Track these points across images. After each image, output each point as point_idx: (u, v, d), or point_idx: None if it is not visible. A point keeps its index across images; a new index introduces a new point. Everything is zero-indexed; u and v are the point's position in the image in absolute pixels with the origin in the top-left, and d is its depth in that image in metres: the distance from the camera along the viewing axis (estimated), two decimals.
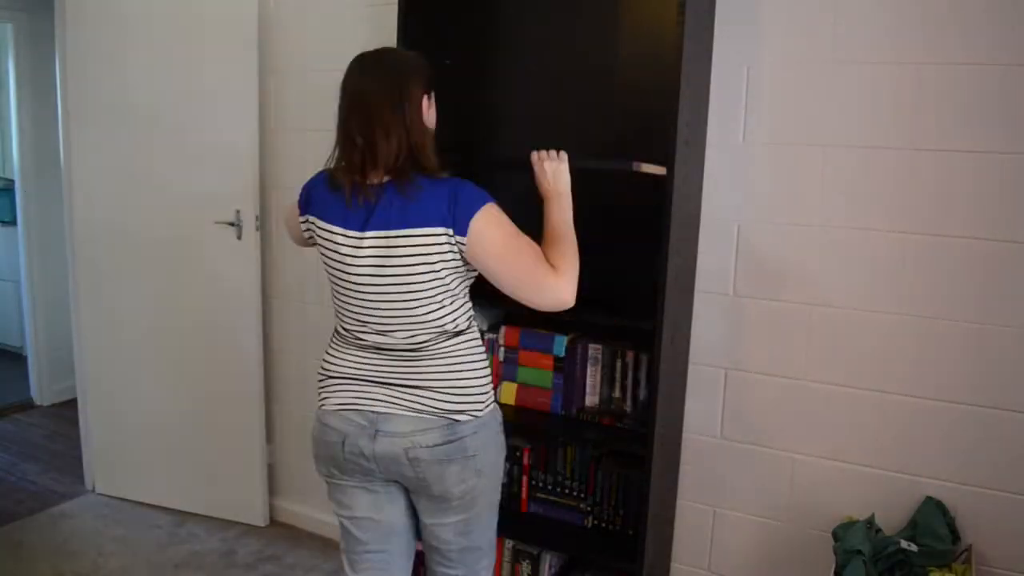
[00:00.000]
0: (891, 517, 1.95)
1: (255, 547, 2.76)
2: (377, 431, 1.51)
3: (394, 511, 1.63)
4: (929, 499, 1.91)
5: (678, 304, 1.99)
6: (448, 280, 1.48)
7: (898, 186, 1.89)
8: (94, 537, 2.79)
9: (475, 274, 1.54)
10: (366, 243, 1.46)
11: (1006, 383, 1.83)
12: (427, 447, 1.50)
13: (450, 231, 1.43)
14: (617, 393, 2.14)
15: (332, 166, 1.51)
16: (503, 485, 2.25)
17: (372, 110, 1.44)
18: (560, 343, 2.15)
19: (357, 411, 1.53)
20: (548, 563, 2.24)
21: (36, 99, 3.91)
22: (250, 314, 2.78)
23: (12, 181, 4.13)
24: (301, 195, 1.58)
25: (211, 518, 2.93)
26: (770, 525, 2.15)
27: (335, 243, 1.49)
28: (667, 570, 2.27)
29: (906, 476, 1.96)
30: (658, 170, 1.81)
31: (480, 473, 1.55)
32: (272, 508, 2.96)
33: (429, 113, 1.53)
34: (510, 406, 2.20)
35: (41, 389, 4.14)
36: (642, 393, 2.11)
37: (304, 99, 2.69)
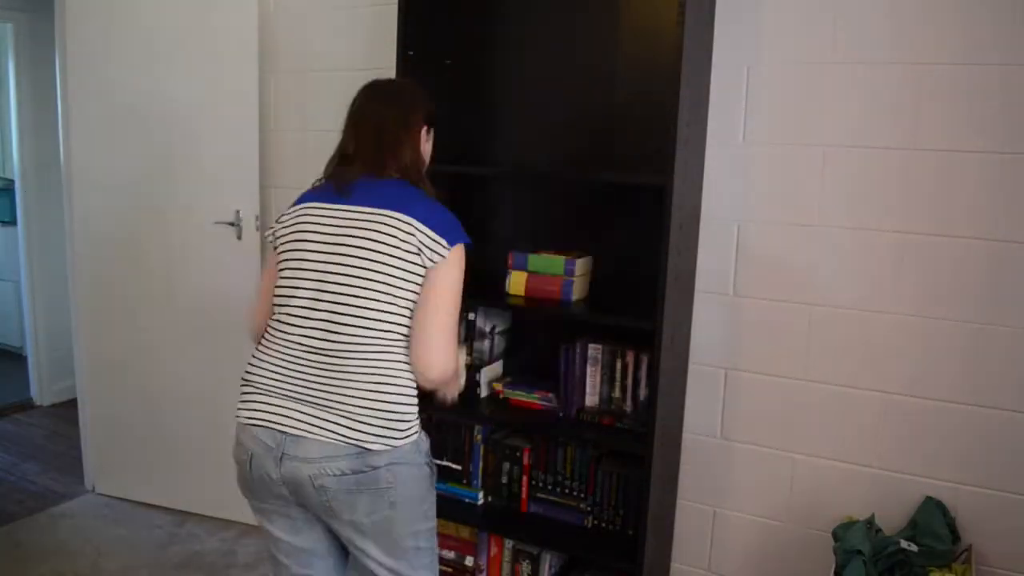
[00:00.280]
0: (891, 517, 1.95)
1: (255, 547, 2.76)
2: (283, 454, 1.43)
3: (312, 535, 1.55)
4: (929, 499, 1.91)
5: (678, 304, 1.99)
6: (407, 281, 1.43)
7: (898, 186, 1.89)
8: (94, 537, 2.78)
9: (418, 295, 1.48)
10: (341, 214, 1.47)
11: (1006, 383, 1.83)
12: (334, 476, 1.41)
13: (435, 233, 1.43)
14: (617, 393, 2.14)
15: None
16: (503, 486, 2.27)
17: (374, 122, 1.52)
18: (559, 262, 2.11)
19: (266, 428, 1.46)
20: (548, 563, 2.24)
21: (36, 99, 3.90)
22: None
23: (12, 181, 4.13)
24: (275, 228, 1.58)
25: (211, 518, 2.93)
26: (770, 525, 2.15)
27: (307, 217, 1.50)
28: (667, 570, 2.27)
29: (906, 476, 1.96)
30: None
31: (395, 505, 1.45)
32: None
33: (425, 146, 1.61)
34: (519, 296, 2.13)
35: (41, 389, 4.13)
36: (642, 393, 2.11)
37: (304, 99, 2.69)
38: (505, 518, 2.24)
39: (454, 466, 2.30)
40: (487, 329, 2.27)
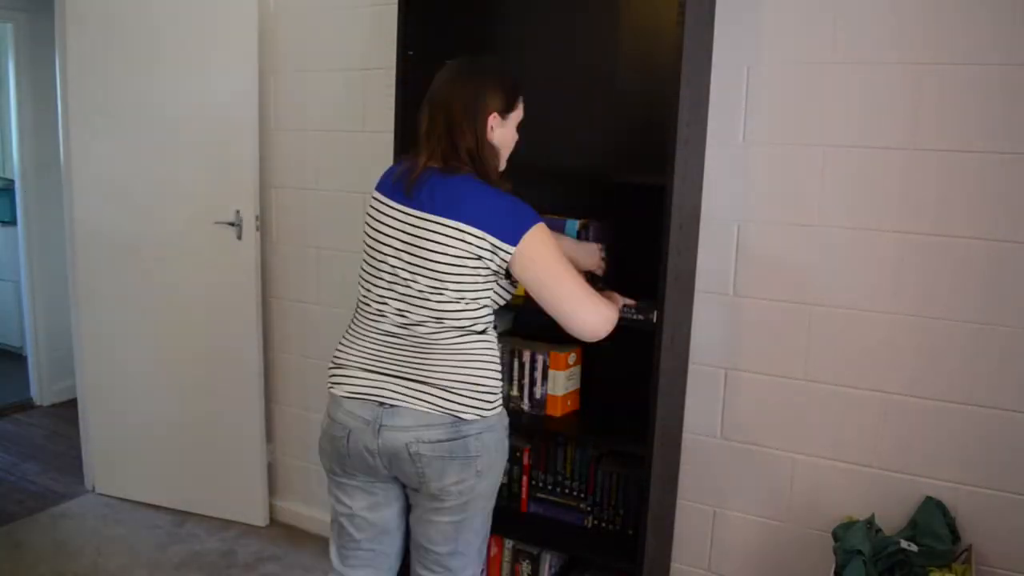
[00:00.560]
0: (891, 517, 1.95)
1: (255, 547, 2.76)
2: (381, 426, 1.52)
3: (390, 513, 1.66)
4: (929, 499, 1.91)
5: (678, 304, 1.99)
6: (475, 283, 1.50)
7: (898, 186, 1.89)
8: (94, 537, 2.79)
9: (514, 288, 1.59)
10: (406, 219, 1.50)
11: (1006, 383, 1.83)
12: (429, 443, 1.50)
13: (494, 238, 1.46)
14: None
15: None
16: (502, 486, 2.27)
17: (442, 104, 1.53)
18: (572, 227, 2.10)
19: (363, 401, 1.55)
20: (548, 563, 2.24)
21: (36, 99, 3.90)
22: (250, 314, 2.78)
23: (12, 181, 4.13)
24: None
25: (211, 518, 2.93)
26: (770, 525, 2.15)
27: (381, 213, 1.54)
28: (667, 570, 2.27)
29: (906, 476, 1.96)
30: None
31: (480, 474, 1.56)
32: (272, 508, 2.96)
33: (495, 132, 1.56)
34: (519, 296, 2.11)
35: (41, 389, 4.14)
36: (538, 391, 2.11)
37: (304, 99, 2.68)
38: (505, 518, 2.23)
39: None
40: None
